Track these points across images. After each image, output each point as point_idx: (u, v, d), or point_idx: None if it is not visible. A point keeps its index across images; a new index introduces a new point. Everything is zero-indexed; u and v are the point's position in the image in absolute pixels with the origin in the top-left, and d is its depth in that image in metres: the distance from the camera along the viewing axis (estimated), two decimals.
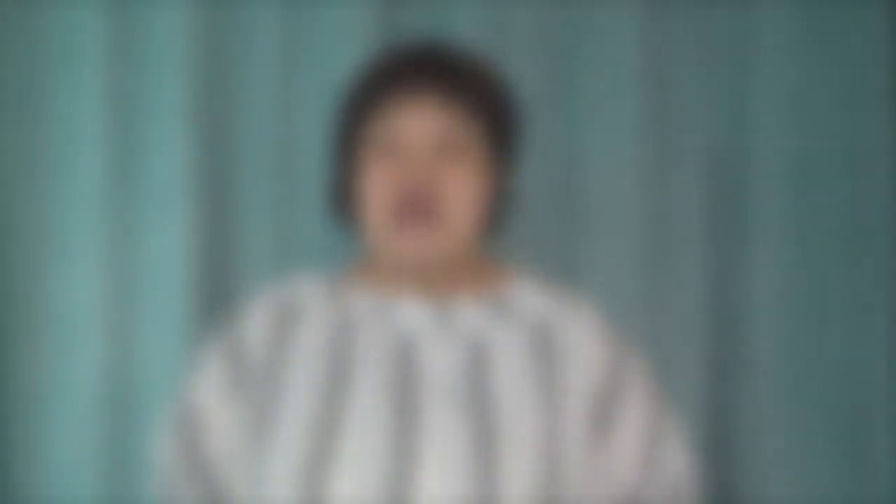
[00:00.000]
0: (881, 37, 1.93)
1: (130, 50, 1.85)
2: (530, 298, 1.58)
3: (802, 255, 1.93)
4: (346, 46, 1.84)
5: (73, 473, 1.83)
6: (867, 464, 1.93)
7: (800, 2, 1.94)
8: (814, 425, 1.93)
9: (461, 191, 1.50)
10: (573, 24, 1.93)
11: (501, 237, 1.64)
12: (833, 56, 1.93)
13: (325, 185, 1.64)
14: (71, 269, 1.85)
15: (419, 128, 1.51)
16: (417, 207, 1.49)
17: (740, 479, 1.92)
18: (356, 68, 1.59)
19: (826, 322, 1.93)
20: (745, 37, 1.95)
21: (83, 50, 1.85)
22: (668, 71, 1.94)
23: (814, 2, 1.94)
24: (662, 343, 1.75)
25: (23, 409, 1.84)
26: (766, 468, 1.92)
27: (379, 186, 1.51)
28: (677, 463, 1.58)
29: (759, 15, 1.94)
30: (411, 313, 1.54)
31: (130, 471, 1.83)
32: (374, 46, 1.80)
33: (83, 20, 1.84)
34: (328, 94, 1.66)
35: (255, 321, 1.57)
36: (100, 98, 1.84)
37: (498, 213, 1.59)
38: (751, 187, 1.94)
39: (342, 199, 1.59)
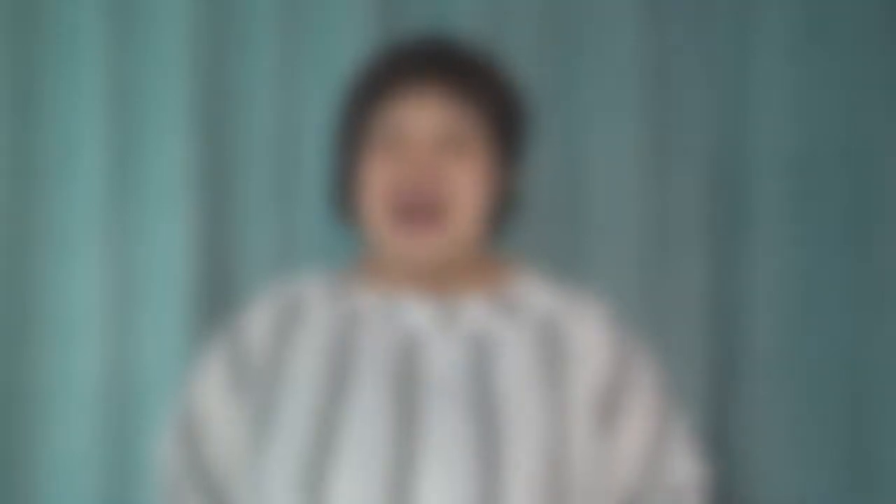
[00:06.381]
0: (881, 36, 1.93)
1: (130, 50, 1.85)
2: (536, 296, 1.57)
3: (802, 254, 1.93)
4: (346, 45, 1.84)
5: (73, 473, 1.83)
6: (867, 463, 1.93)
7: (800, 3, 1.94)
8: (814, 425, 1.93)
9: (464, 187, 1.50)
10: (573, 25, 1.93)
11: (505, 235, 1.64)
12: (833, 56, 1.93)
13: (328, 181, 1.64)
14: (71, 269, 1.85)
15: (422, 122, 1.50)
16: (418, 205, 1.49)
17: (740, 479, 1.92)
18: (361, 62, 1.59)
19: (826, 321, 1.93)
20: (745, 37, 1.95)
21: (83, 50, 1.85)
22: (668, 71, 1.94)
23: (814, 3, 1.94)
24: (662, 342, 1.74)
25: (23, 409, 1.84)
26: (766, 468, 1.92)
27: (380, 182, 1.50)
28: (683, 466, 1.57)
29: (759, 15, 1.94)
30: (415, 311, 1.53)
31: (130, 470, 1.83)
32: (374, 40, 1.80)
33: (83, 20, 1.84)
34: (329, 91, 1.66)
35: (257, 321, 1.56)
36: (100, 98, 1.84)
37: (503, 210, 1.59)
38: (751, 187, 1.94)
39: (345, 195, 1.59)
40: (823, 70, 1.94)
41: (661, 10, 1.93)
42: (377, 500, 1.42)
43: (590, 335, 1.54)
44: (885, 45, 1.94)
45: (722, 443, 1.91)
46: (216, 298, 1.84)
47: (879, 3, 1.94)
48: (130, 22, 1.85)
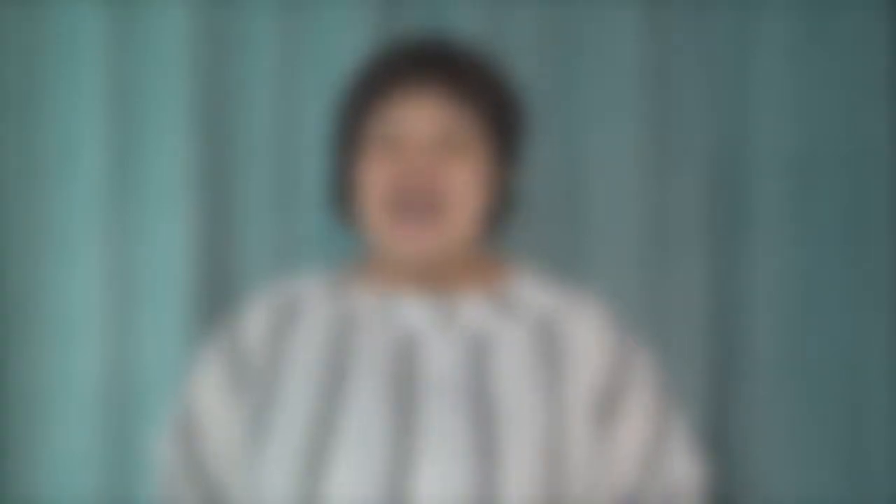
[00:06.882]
0: (881, 37, 1.93)
1: (130, 50, 1.85)
2: (534, 295, 1.57)
3: (802, 254, 1.93)
4: (345, 45, 1.84)
5: (72, 472, 1.83)
6: (866, 463, 1.93)
7: (800, 3, 1.94)
8: (813, 425, 1.93)
9: (462, 186, 1.50)
10: (573, 25, 1.93)
11: (504, 235, 1.64)
12: (833, 56, 1.93)
13: (326, 181, 1.64)
14: (71, 269, 1.85)
15: (419, 122, 1.50)
16: (416, 204, 1.49)
17: (740, 479, 1.92)
18: (358, 62, 1.59)
19: (826, 321, 1.93)
20: (745, 37, 1.95)
21: (83, 50, 1.85)
22: (668, 71, 1.94)
23: (814, 3, 1.94)
24: (662, 342, 1.75)
25: (23, 409, 1.84)
26: (766, 468, 1.92)
27: (377, 182, 1.50)
28: (682, 466, 1.57)
29: (759, 15, 1.94)
30: (413, 311, 1.54)
31: (130, 470, 1.83)
32: (374, 40, 1.80)
33: (83, 20, 1.84)
34: (328, 92, 1.66)
35: (254, 320, 1.56)
36: (100, 98, 1.85)
37: (501, 210, 1.59)
38: (751, 187, 1.94)
39: (342, 195, 1.59)
40: (823, 70, 1.94)
41: (661, 10, 1.93)
42: (375, 498, 1.42)
43: (588, 335, 1.54)
44: (885, 45, 1.93)
45: (722, 443, 1.91)
46: (216, 298, 1.84)
47: (879, 3, 1.94)
48: (130, 22, 1.85)
